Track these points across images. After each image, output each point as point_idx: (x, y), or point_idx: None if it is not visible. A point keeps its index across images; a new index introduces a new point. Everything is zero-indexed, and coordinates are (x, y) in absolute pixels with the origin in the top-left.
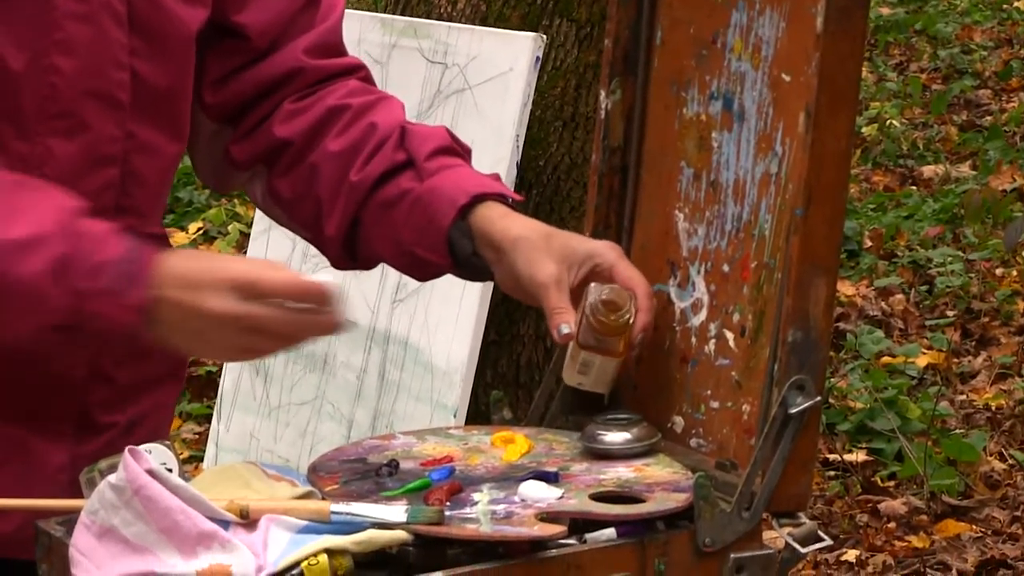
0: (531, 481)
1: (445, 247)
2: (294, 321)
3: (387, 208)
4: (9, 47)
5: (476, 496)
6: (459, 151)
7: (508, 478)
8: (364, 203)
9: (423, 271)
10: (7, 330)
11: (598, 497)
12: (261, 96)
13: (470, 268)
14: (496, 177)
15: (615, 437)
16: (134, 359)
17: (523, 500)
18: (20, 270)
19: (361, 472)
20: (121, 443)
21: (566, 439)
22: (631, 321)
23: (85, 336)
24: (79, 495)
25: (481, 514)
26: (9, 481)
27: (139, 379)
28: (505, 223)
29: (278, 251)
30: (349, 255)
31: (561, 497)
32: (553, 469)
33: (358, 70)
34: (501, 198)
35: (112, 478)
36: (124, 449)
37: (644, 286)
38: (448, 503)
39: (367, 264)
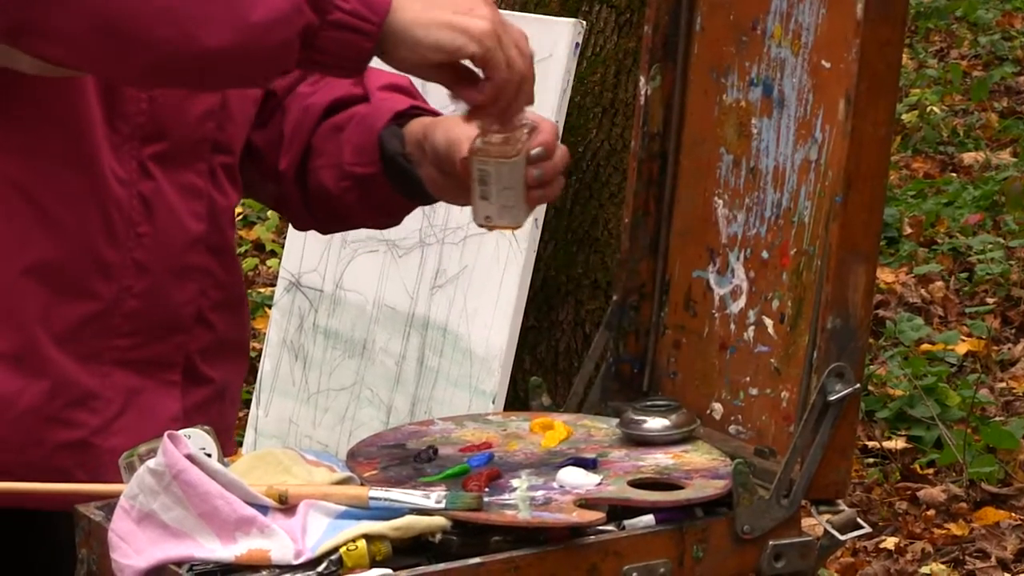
0: (569, 467)
1: (376, 151)
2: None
3: (336, 131)
4: None
5: (514, 482)
6: (410, 91)
7: (546, 464)
8: (315, 128)
9: (364, 199)
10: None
11: (636, 484)
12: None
13: (396, 170)
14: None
15: (654, 423)
16: (226, 306)
17: (561, 486)
18: None
19: (400, 458)
20: (216, 405)
21: (604, 425)
22: (527, 132)
23: (325, 30)
24: None
25: (520, 500)
26: (126, 431)
27: (230, 333)
28: (435, 121)
29: (318, 237)
30: (304, 201)
31: (599, 484)
32: (592, 455)
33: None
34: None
35: (151, 463)
36: (213, 414)
37: (548, 123)
38: (487, 489)
39: (321, 219)
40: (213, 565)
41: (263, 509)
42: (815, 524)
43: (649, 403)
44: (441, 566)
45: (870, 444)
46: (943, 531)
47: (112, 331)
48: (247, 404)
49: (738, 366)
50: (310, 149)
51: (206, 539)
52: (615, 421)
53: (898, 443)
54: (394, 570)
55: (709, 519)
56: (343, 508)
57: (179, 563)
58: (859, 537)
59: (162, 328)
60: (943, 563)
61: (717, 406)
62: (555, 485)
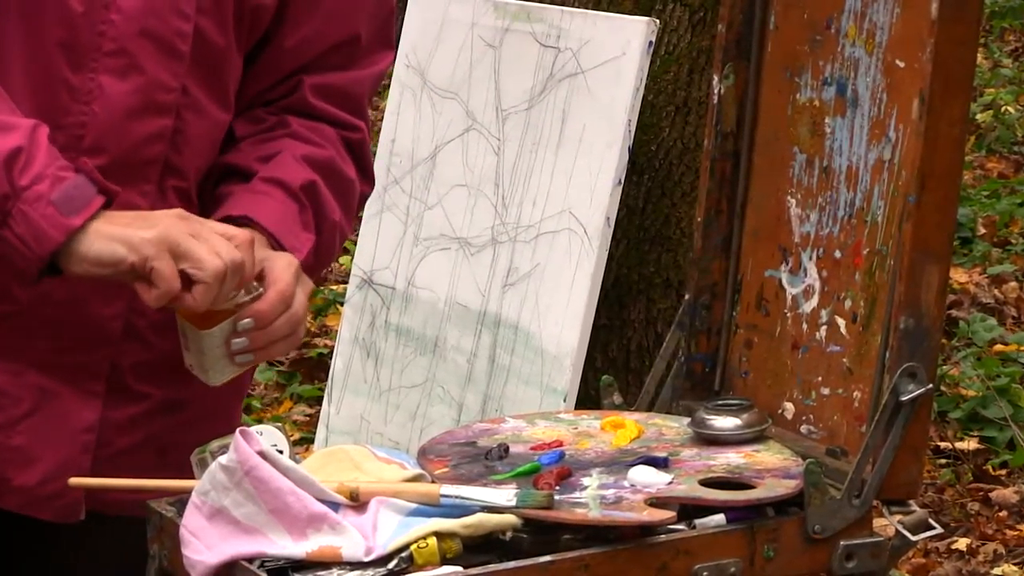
0: (640, 466)
1: None
2: (228, 247)
3: (212, 203)
4: None
5: (585, 481)
6: (301, 199)
7: (617, 463)
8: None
9: None
10: None
11: (707, 483)
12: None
13: None
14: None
15: (725, 423)
16: (170, 326)
17: (632, 485)
18: None
19: (471, 456)
20: (159, 420)
21: (676, 424)
22: (243, 300)
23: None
24: (101, 459)
25: (590, 499)
26: (32, 432)
27: (177, 353)
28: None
29: (390, 234)
30: None
31: (670, 482)
32: (663, 454)
33: (352, 129)
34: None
35: (223, 459)
36: (156, 428)
37: (282, 284)
38: (557, 487)
39: None
40: (284, 561)
41: (334, 506)
42: (886, 524)
43: (721, 402)
44: (511, 564)
45: (942, 445)
46: (1015, 532)
47: (30, 333)
48: (318, 401)
49: (810, 366)
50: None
51: (277, 535)
52: (686, 420)
53: (970, 444)
54: (464, 567)
55: (780, 519)
56: (414, 505)
57: (250, 559)
58: (931, 538)
59: (86, 338)
60: (1015, 564)
61: (788, 406)
62: (626, 484)
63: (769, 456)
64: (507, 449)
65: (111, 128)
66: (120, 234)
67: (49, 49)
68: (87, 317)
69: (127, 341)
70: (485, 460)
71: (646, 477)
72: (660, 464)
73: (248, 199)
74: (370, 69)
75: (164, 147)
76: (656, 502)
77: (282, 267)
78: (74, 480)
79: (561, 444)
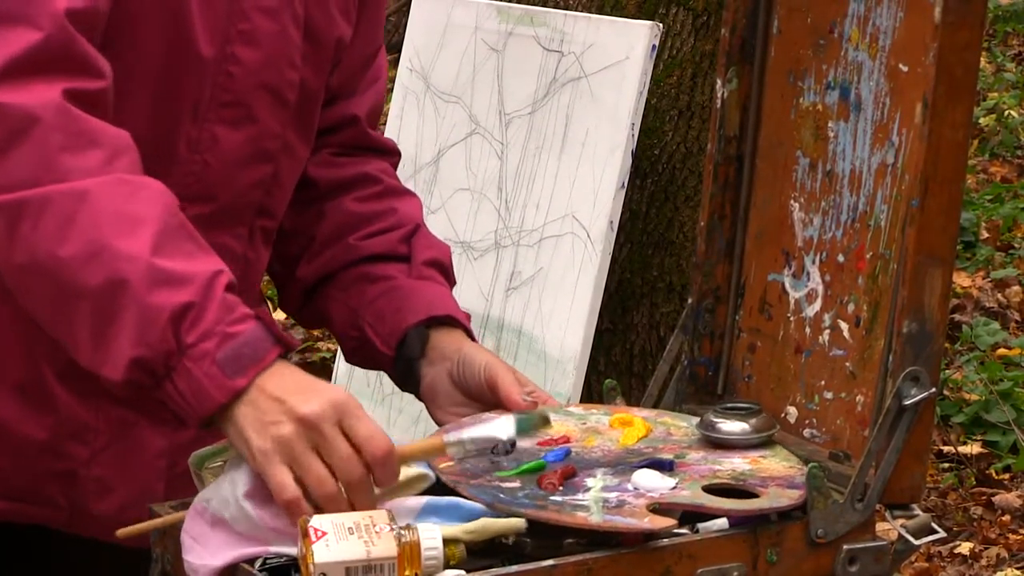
0: (645, 470)
1: (397, 340)
2: (355, 465)
3: (365, 281)
4: (204, 32)
5: (589, 481)
6: (451, 275)
7: (623, 463)
8: (348, 267)
9: (358, 352)
10: (104, 340)
11: (711, 489)
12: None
13: (403, 370)
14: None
15: (733, 427)
16: None
17: (636, 489)
18: (149, 297)
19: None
20: (208, 436)
21: (684, 423)
22: None
23: (156, 392)
24: (172, 482)
25: (593, 502)
26: (111, 463)
27: None
28: (473, 352)
29: None
30: (301, 303)
31: (675, 487)
32: (669, 456)
33: (394, 154)
34: (467, 331)
35: (231, 472)
36: (213, 441)
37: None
38: (561, 487)
39: (307, 320)
40: (286, 559)
41: None
42: (890, 529)
43: (729, 406)
44: (514, 568)
45: (945, 449)
46: (1019, 536)
47: None
48: None
49: (813, 370)
50: (335, 276)
51: (281, 544)
52: (695, 420)
53: (973, 448)
54: (468, 572)
55: (783, 523)
56: (420, 506)
57: (251, 560)
58: (934, 542)
59: None
60: (1018, 568)
61: (792, 409)
62: (629, 487)
63: (776, 463)
64: (514, 444)
65: (221, 178)
66: (267, 416)
67: (180, 101)
68: None
69: None
70: (491, 455)
71: (650, 481)
72: (666, 467)
73: (432, 291)
74: (382, 78)
75: (262, 193)
76: (659, 508)
77: (503, 370)
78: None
79: (568, 440)
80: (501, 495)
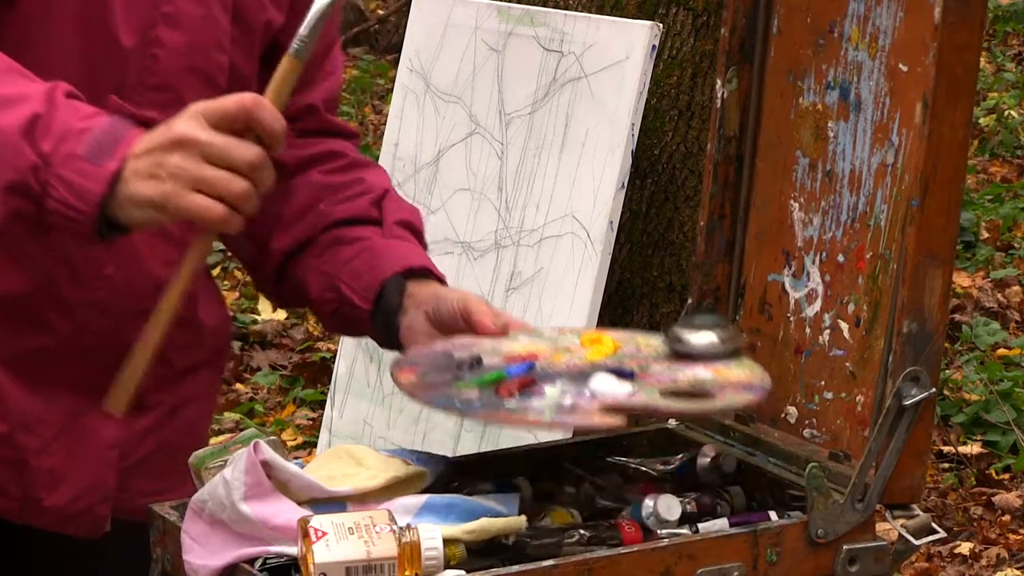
0: (602, 375)
1: (375, 293)
2: (247, 147)
3: (338, 245)
4: (124, 17)
5: (547, 389)
6: (423, 238)
7: (585, 375)
8: (320, 234)
9: (337, 315)
10: None
11: (667, 393)
12: None
13: (383, 324)
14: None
15: (698, 338)
16: (186, 341)
17: (592, 394)
18: None
19: (443, 365)
20: (166, 426)
21: (656, 342)
22: None
23: (43, 216)
24: (123, 473)
25: (547, 406)
26: (62, 454)
27: (189, 362)
28: (438, 288)
29: None
30: (276, 277)
31: (631, 393)
32: (631, 368)
33: (355, 136)
34: (442, 282)
35: (227, 473)
36: (166, 434)
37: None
38: (518, 394)
39: (285, 296)
40: (286, 559)
41: (342, 505)
42: (890, 529)
43: (697, 318)
44: (515, 568)
45: (945, 449)
46: (1019, 536)
47: (65, 361)
48: (321, 405)
49: (813, 370)
50: (309, 244)
51: (280, 544)
52: (656, 342)
53: (973, 448)
54: (468, 572)
55: (784, 523)
56: (419, 507)
57: (251, 561)
58: (934, 542)
59: (115, 362)
60: (1018, 568)
61: (792, 410)
62: (586, 392)
63: (738, 371)
64: (480, 360)
65: None
66: (148, 168)
67: (101, 87)
68: (120, 343)
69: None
70: (456, 370)
71: (607, 387)
72: (626, 376)
73: (407, 247)
74: (338, 68)
75: None
76: (609, 409)
77: (476, 300)
78: None
79: (536, 357)
80: (457, 402)
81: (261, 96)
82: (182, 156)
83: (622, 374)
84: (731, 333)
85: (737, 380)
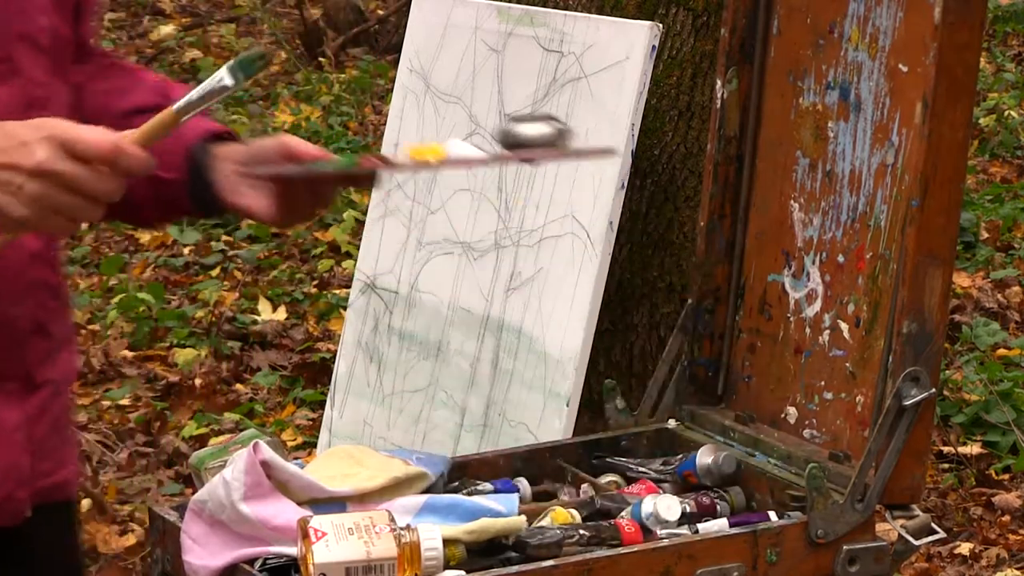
0: (456, 140)
1: (182, 160)
2: (107, 180)
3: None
4: None
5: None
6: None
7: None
8: (115, 123)
9: (151, 202)
10: None
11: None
12: None
13: (199, 189)
14: None
15: (530, 129)
16: (60, 311)
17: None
18: None
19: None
20: (54, 403)
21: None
22: None
23: None
24: (40, 453)
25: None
26: None
27: (63, 333)
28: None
29: (393, 239)
30: None
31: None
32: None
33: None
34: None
35: (227, 473)
36: (56, 410)
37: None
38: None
39: (116, 213)
40: (286, 559)
41: (342, 505)
42: (889, 529)
43: (522, 116)
44: (515, 569)
45: (945, 449)
46: (1018, 537)
47: None
48: (321, 405)
49: (813, 370)
50: None
51: (280, 544)
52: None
53: (973, 448)
54: (468, 572)
55: (783, 523)
56: (419, 507)
57: (251, 561)
58: (933, 542)
59: (3, 343)
60: (1018, 568)
61: (792, 410)
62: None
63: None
64: (239, 82)
65: None
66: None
67: None
68: (2, 322)
69: (34, 337)
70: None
71: (464, 150)
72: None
73: (204, 120)
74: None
75: None
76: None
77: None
78: None
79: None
80: (314, 167)
81: (127, 140)
82: (42, 185)
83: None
84: (559, 124)
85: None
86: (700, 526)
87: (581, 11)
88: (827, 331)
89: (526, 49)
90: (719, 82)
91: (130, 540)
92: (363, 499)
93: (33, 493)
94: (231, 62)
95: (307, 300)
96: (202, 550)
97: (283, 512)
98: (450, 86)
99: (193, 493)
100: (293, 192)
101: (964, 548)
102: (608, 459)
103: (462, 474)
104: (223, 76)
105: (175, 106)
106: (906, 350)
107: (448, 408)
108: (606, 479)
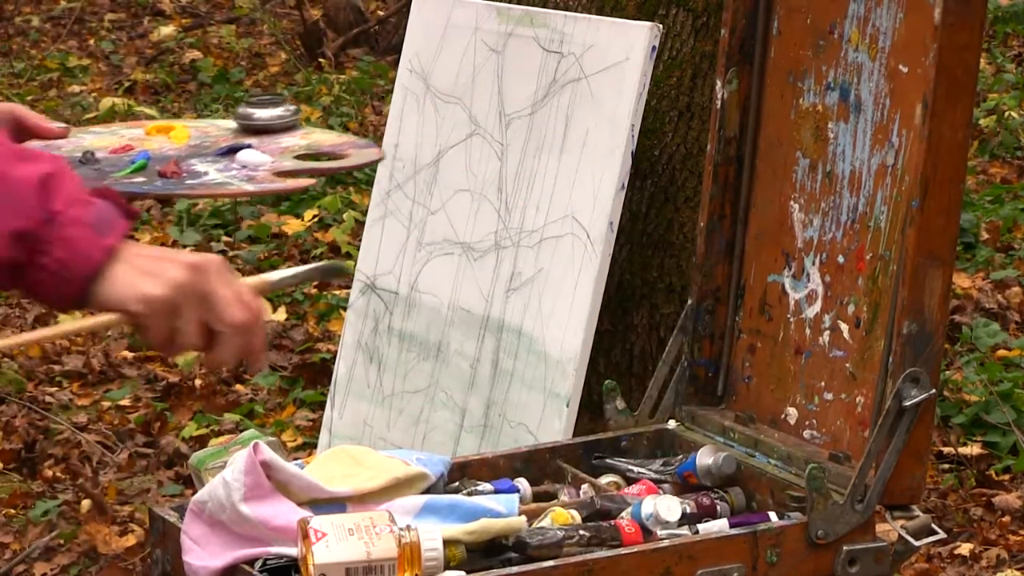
0: (247, 150)
1: None
2: (243, 307)
3: None
4: None
5: (202, 168)
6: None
7: (206, 152)
8: None
9: None
10: None
11: (303, 158)
12: None
13: None
14: None
15: (266, 112)
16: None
17: (244, 166)
18: (12, 171)
19: (71, 162)
20: None
21: (222, 124)
22: None
23: (29, 271)
24: None
25: (224, 178)
26: None
27: None
28: None
29: (393, 239)
30: None
31: (274, 162)
32: (238, 143)
33: None
34: None
35: (227, 474)
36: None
37: None
38: (183, 174)
39: None
40: (286, 559)
41: (341, 506)
42: (889, 529)
43: (255, 98)
44: (515, 569)
45: (945, 450)
46: (1019, 537)
47: None
48: (321, 406)
49: (813, 370)
50: None
51: (280, 546)
52: (228, 123)
53: (973, 449)
54: (468, 572)
55: (783, 524)
56: (419, 507)
57: (251, 561)
58: (933, 543)
59: None
60: (1018, 569)
61: (792, 410)
62: (239, 166)
63: (324, 136)
64: (94, 154)
65: None
66: (151, 267)
67: None
68: None
69: None
70: (81, 165)
71: (254, 158)
72: (246, 148)
73: None
74: None
75: None
76: (283, 173)
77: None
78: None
79: (132, 148)
80: (135, 187)
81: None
82: (190, 276)
83: (240, 148)
84: (291, 105)
85: (342, 142)
86: (700, 527)
87: (581, 12)
88: (827, 332)
89: (526, 49)
90: (719, 82)
91: (130, 540)
92: (363, 499)
93: None
94: (329, 263)
95: (307, 301)
96: (202, 551)
97: (283, 513)
98: (450, 87)
99: (193, 494)
100: None
101: (964, 549)
102: (608, 460)
103: (462, 475)
104: (316, 272)
105: (272, 280)
106: (906, 351)
107: (448, 409)
108: (606, 480)
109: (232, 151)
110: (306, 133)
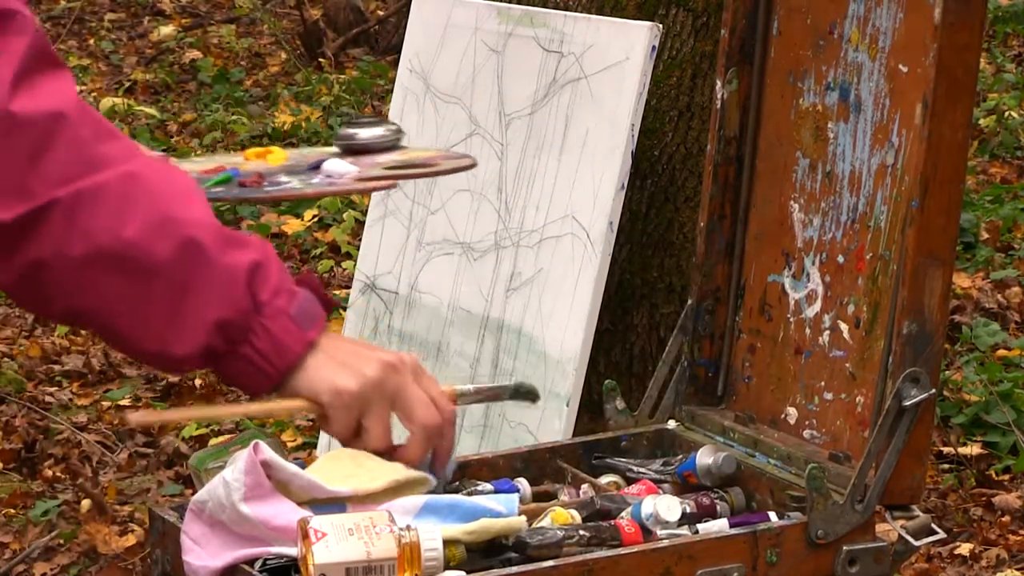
0: (333, 159)
1: None
2: (433, 410)
3: None
4: None
5: (284, 178)
6: None
7: (299, 168)
8: None
9: None
10: (180, 312)
11: (393, 168)
12: None
13: None
14: None
15: (371, 132)
16: None
17: (331, 174)
18: (223, 257)
19: None
20: None
21: (322, 148)
22: None
23: (228, 359)
24: None
25: (304, 185)
26: None
27: None
28: None
29: (393, 239)
30: None
31: (361, 172)
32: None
33: None
34: None
35: (227, 474)
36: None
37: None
38: (266, 183)
39: None
40: (286, 559)
41: (342, 506)
42: (889, 529)
43: (357, 119)
44: (515, 569)
45: (945, 450)
46: (1019, 537)
47: None
48: None
49: (813, 370)
50: None
51: (280, 546)
52: (331, 149)
53: (973, 449)
54: (468, 572)
55: (783, 523)
56: (419, 507)
57: (251, 561)
58: (933, 543)
59: None
60: (1018, 569)
61: (792, 410)
62: (324, 176)
63: (422, 153)
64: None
65: None
66: (348, 360)
67: None
68: None
69: None
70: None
71: (341, 167)
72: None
73: None
74: None
75: None
76: (366, 177)
77: None
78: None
79: (224, 168)
80: (221, 192)
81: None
82: (385, 373)
83: (342, 163)
84: (392, 125)
85: (435, 156)
86: (700, 527)
87: (581, 11)
88: (827, 332)
89: (526, 49)
90: (719, 82)
91: (130, 540)
92: (363, 500)
93: None
94: (520, 384)
95: None
96: (202, 551)
97: (283, 512)
98: (450, 86)
99: (193, 494)
100: None
101: (964, 549)
102: (608, 460)
103: (462, 474)
104: (506, 391)
105: (460, 391)
106: (906, 351)
107: None
108: (606, 480)
109: (320, 164)
110: (405, 151)
